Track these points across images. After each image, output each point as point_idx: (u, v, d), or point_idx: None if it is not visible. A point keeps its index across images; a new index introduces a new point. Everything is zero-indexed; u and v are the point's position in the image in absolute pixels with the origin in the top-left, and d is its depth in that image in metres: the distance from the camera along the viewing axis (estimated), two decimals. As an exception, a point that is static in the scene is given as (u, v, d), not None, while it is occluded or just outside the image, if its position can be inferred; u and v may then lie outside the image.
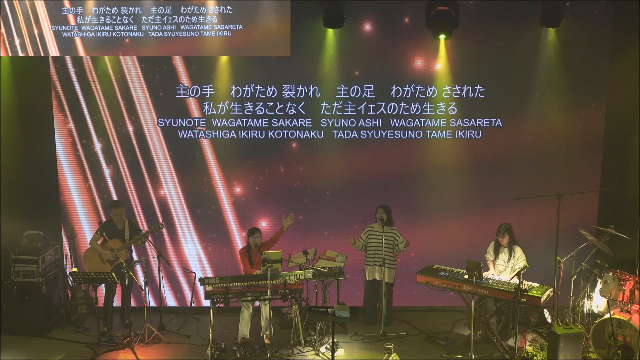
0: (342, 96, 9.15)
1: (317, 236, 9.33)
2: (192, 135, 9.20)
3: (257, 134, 9.20)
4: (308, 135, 9.21)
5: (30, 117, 9.13)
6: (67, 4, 8.56)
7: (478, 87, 9.13)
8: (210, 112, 9.15)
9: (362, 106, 9.16)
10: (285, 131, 9.20)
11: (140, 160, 9.26)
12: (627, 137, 9.05)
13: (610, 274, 7.91)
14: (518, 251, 8.38)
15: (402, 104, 9.15)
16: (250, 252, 8.50)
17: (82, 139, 9.20)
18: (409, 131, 9.20)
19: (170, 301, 9.49)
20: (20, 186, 9.13)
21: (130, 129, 9.20)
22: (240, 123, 9.17)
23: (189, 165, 9.28)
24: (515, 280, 7.72)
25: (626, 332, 7.60)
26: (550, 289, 7.98)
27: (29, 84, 9.05)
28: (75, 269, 8.80)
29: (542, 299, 7.73)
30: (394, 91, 9.13)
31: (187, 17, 8.58)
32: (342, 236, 8.92)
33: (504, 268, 8.42)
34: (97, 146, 9.23)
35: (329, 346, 8.12)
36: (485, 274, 8.19)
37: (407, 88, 9.12)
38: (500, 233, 8.44)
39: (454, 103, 9.16)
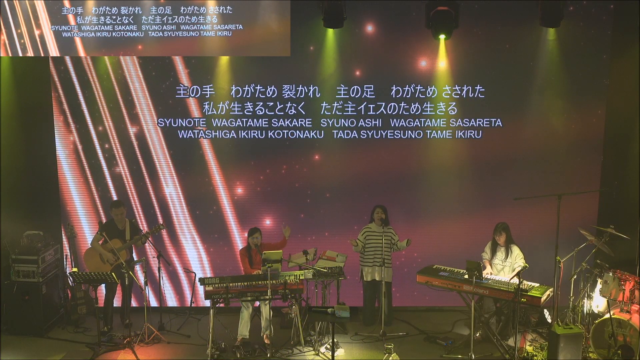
0: (342, 96, 9.15)
1: (318, 236, 9.33)
2: (192, 135, 9.20)
3: (257, 134, 9.19)
4: (308, 135, 9.20)
5: (30, 117, 9.14)
6: (67, 4, 8.56)
7: (478, 87, 9.12)
8: (210, 112, 9.15)
9: (362, 106, 9.16)
10: (285, 131, 9.20)
11: (140, 161, 9.26)
12: (627, 138, 9.06)
13: (610, 274, 7.91)
14: (515, 250, 8.38)
15: (402, 104, 9.15)
16: (250, 252, 8.50)
17: (82, 139, 9.20)
18: (409, 131, 9.20)
19: (171, 301, 9.49)
20: (20, 186, 9.14)
21: (131, 129, 9.20)
22: (240, 123, 9.17)
23: (189, 166, 9.28)
24: (515, 280, 7.72)
25: (626, 332, 7.59)
26: (550, 289, 7.98)
27: (29, 84, 9.05)
28: (75, 269, 8.80)
29: (542, 299, 7.72)
30: (394, 91, 9.13)
31: (187, 17, 8.58)
32: (342, 236, 8.94)
33: (502, 267, 8.41)
34: (97, 146, 9.23)
35: (329, 346, 8.12)
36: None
37: (407, 88, 9.12)
38: (497, 232, 8.44)
39: (454, 103, 9.16)
